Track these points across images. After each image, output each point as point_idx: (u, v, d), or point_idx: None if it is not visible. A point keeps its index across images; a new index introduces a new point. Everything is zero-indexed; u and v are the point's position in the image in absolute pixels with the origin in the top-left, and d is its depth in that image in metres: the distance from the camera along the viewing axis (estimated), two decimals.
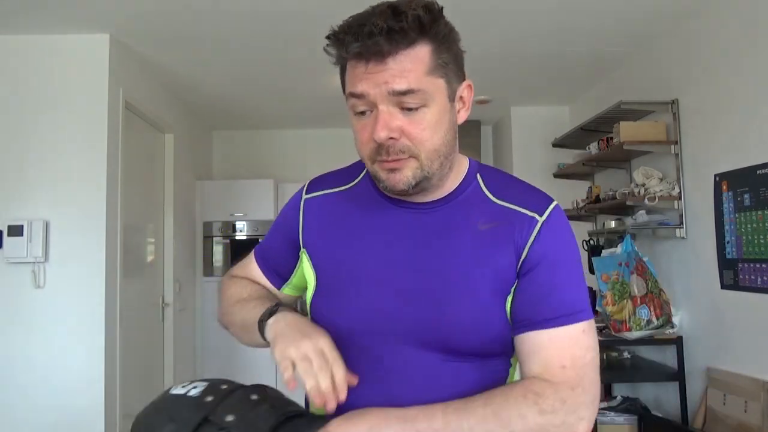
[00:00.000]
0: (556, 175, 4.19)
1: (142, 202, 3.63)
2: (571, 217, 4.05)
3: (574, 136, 3.85)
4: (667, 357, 3.10)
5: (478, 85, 4.62)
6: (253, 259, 1.05)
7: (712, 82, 2.74)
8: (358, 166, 0.98)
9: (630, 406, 3.08)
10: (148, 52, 3.28)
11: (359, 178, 0.97)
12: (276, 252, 1.02)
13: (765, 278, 2.38)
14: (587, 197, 3.81)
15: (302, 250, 0.97)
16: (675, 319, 2.94)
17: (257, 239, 4.79)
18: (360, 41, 0.77)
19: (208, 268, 4.73)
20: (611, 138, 3.25)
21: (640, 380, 3.31)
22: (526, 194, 0.91)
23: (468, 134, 4.99)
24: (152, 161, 3.85)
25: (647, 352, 3.30)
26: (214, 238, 4.82)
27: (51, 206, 2.88)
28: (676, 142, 3.00)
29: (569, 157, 4.06)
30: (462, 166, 0.94)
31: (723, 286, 2.65)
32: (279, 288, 1.02)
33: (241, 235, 4.81)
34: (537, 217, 0.87)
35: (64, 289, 2.85)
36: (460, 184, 0.91)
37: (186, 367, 4.23)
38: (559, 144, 4.09)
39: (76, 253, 2.88)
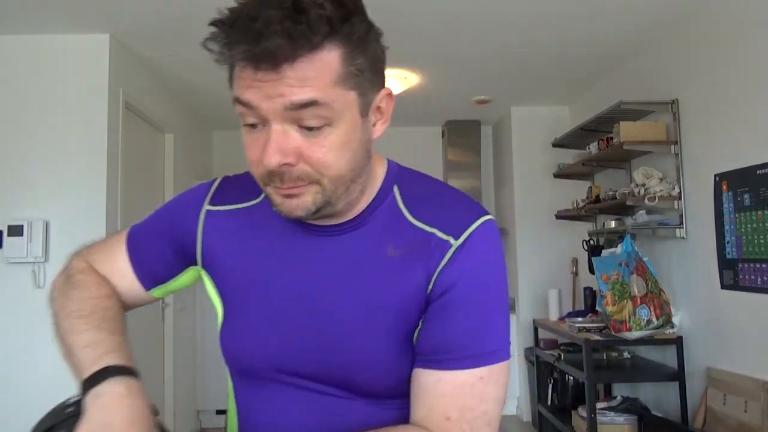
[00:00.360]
0: (556, 175, 4.19)
1: (142, 202, 3.62)
2: (571, 217, 4.06)
3: (574, 136, 3.85)
4: (667, 357, 3.10)
5: (478, 85, 4.64)
6: (123, 248, 0.87)
7: (712, 82, 2.74)
8: None
9: (630, 406, 3.08)
10: (148, 52, 3.28)
11: (263, 195, 0.79)
12: (156, 253, 0.86)
13: (765, 278, 2.38)
14: (587, 197, 3.81)
15: (202, 270, 0.85)
16: (675, 319, 2.94)
17: None
18: (248, 42, 0.61)
19: None
20: (611, 138, 3.25)
21: (640, 380, 3.31)
22: (446, 211, 0.76)
23: (468, 134, 5.00)
24: (152, 161, 3.85)
25: (647, 352, 3.30)
26: None
27: (51, 206, 2.88)
28: (676, 142, 3.00)
29: (569, 157, 4.06)
30: (378, 176, 0.79)
31: (723, 286, 2.65)
32: (148, 289, 0.88)
33: None
34: (452, 240, 0.73)
35: None
36: (373, 199, 0.77)
37: (186, 366, 4.23)
38: (559, 144, 4.09)
39: None
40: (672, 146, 3.01)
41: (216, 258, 0.82)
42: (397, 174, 0.81)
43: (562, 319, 3.83)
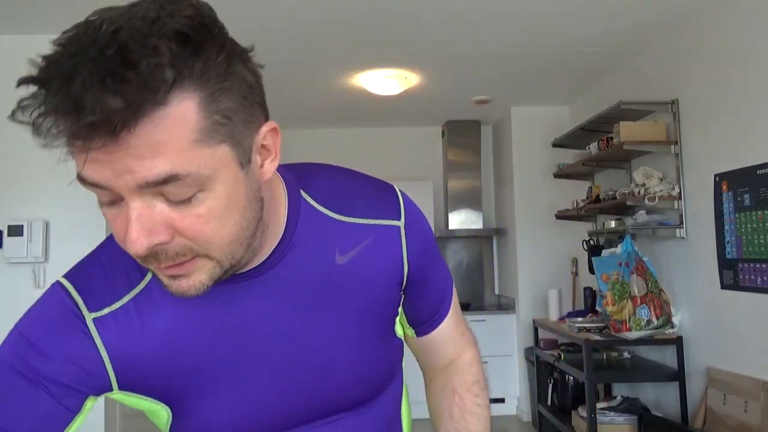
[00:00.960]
0: (556, 175, 4.19)
1: None
2: (571, 217, 4.06)
3: (574, 136, 3.85)
4: (667, 357, 3.10)
5: (479, 85, 4.63)
6: None
7: (712, 82, 2.74)
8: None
9: (630, 406, 3.08)
10: None
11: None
12: (24, 417, 0.61)
13: (765, 278, 2.38)
14: (587, 197, 3.81)
15: (120, 393, 0.65)
16: (675, 319, 2.94)
17: None
18: (65, 114, 0.47)
19: None
20: (611, 138, 3.25)
21: (640, 380, 3.31)
22: (369, 198, 0.73)
23: (468, 134, 5.00)
24: None
25: (647, 352, 3.30)
26: None
27: (51, 206, 2.88)
28: (676, 142, 3.00)
29: (569, 157, 4.06)
30: (279, 193, 0.67)
31: (723, 286, 2.65)
32: None
33: None
34: (396, 222, 0.73)
35: None
36: (287, 219, 0.67)
37: None
38: (559, 144, 4.09)
39: (76, 253, 2.83)
40: (672, 146, 3.01)
41: (138, 369, 0.64)
42: (296, 179, 0.71)
43: (562, 319, 3.83)
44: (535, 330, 3.97)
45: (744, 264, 2.51)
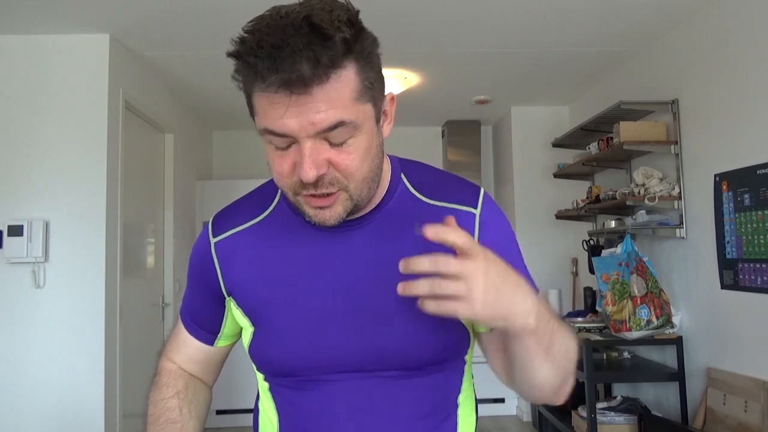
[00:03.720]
0: (556, 175, 4.19)
1: (142, 202, 3.63)
2: (571, 217, 4.06)
3: (574, 136, 3.85)
4: (667, 357, 3.10)
5: (479, 85, 4.63)
6: (181, 324, 0.98)
7: (712, 82, 2.74)
8: (269, 190, 0.90)
9: (630, 406, 3.08)
10: (148, 52, 3.28)
11: (273, 204, 0.88)
12: (199, 308, 0.94)
13: (765, 278, 2.38)
14: (587, 197, 3.81)
15: (228, 299, 0.89)
16: (675, 319, 2.94)
17: None
18: (279, 71, 0.65)
19: None
20: (611, 138, 3.25)
21: (640, 380, 3.31)
22: (455, 188, 0.87)
23: (468, 134, 5.00)
24: (152, 161, 3.85)
25: (647, 352, 3.30)
26: None
27: (51, 206, 2.88)
28: (676, 142, 3.00)
29: (569, 157, 4.06)
30: (386, 171, 0.86)
31: (723, 286, 2.65)
32: (212, 344, 0.96)
33: None
34: (473, 210, 0.84)
35: (64, 289, 2.85)
36: (387, 191, 0.84)
37: None
38: (559, 144, 4.09)
39: (76, 253, 2.88)
40: (672, 146, 3.01)
41: (237, 281, 0.86)
42: (401, 165, 0.89)
43: (562, 319, 3.82)
44: None
45: (744, 264, 2.51)
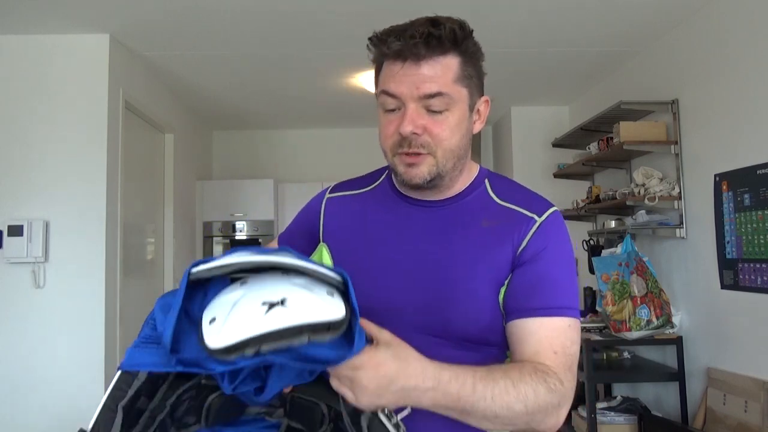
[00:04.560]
0: (556, 175, 4.19)
1: (142, 202, 3.63)
2: (570, 217, 4.05)
3: (574, 136, 3.85)
4: (667, 357, 3.10)
5: None
6: (275, 246, 1.15)
7: (712, 82, 2.74)
8: (380, 172, 1.09)
9: (630, 406, 3.08)
10: (147, 52, 3.28)
11: (379, 181, 1.08)
12: (297, 237, 1.12)
13: (765, 278, 2.38)
14: (587, 197, 3.81)
15: (322, 243, 1.05)
16: (675, 319, 2.94)
17: (257, 239, 4.79)
18: (401, 42, 0.86)
19: None
20: (611, 138, 3.25)
21: (640, 380, 3.31)
22: (529, 198, 0.98)
23: None
24: (152, 161, 3.85)
25: (647, 352, 3.30)
26: (214, 238, 4.83)
27: (51, 206, 2.88)
28: (676, 142, 3.00)
29: (569, 157, 4.06)
30: (473, 171, 1.02)
31: (723, 286, 2.65)
32: None
33: (241, 235, 4.81)
34: (536, 217, 0.94)
35: (64, 289, 2.85)
36: (468, 185, 1.00)
37: None
38: (559, 144, 4.09)
39: (76, 253, 2.88)
40: (672, 146, 3.01)
41: (334, 231, 1.05)
42: (488, 174, 1.04)
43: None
44: None
45: (744, 264, 2.50)
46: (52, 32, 2.94)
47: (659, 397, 3.21)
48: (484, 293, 0.91)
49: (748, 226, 2.48)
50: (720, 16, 2.68)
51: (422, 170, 0.91)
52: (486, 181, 1.02)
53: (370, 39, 0.91)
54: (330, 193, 1.10)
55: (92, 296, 2.87)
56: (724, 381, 2.60)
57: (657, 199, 2.96)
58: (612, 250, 3.18)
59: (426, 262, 0.94)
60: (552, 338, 0.87)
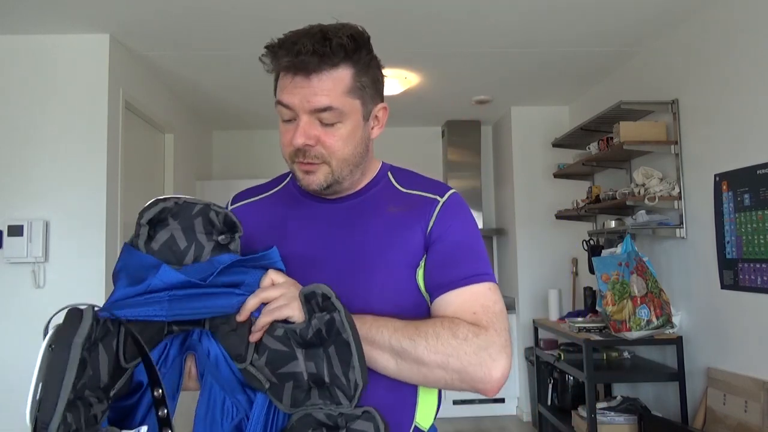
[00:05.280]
0: (556, 175, 4.19)
1: (143, 202, 3.59)
2: (570, 217, 4.06)
3: (574, 136, 3.85)
4: (667, 357, 3.10)
5: (479, 85, 4.63)
6: None
7: (712, 82, 2.74)
8: (284, 176, 1.12)
9: (630, 406, 3.08)
10: (148, 52, 3.28)
11: (284, 183, 1.10)
12: None
13: (765, 278, 2.38)
14: (587, 197, 3.81)
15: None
16: (675, 319, 2.94)
17: None
18: (290, 57, 0.87)
19: None
20: (611, 138, 3.25)
21: (640, 380, 3.31)
22: (429, 183, 1.04)
23: (468, 134, 5.00)
24: (152, 161, 3.85)
25: (647, 352, 3.30)
26: None
27: (51, 206, 2.88)
28: (676, 142, 3.00)
29: (569, 157, 4.06)
30: (374, 168, 1.06)
31: (723, 286, 2.65)
32: None
33: None
34: (438, 198, 1.00)
35: (64, 289, 2.85)
36: (371, 180, 1.04)
37: None
38: (559, 144, 4.09)
39: (76, 253, 2.88)
40: (672, 146, 3.01)
41: (246, 239, 1.03)
42: (390, 168, 1.09)
43: (562, 319, 3.83)
44: (535, 330, 3.97)
45: (744, 264, 2.51)
46: (52, 32, 2.94)
47: (659, 397, 3.21)
48: (399, 276, 0.95)
49: (748, 226, 2.48)
50: (720, 16, 2.68)
51: (318, 177, 0.94)
52: (389, 173, 1.07)
53: (265, 48, 0.91)
54: (231, 204, 1.11)
55: (92, 296, 2.87)
56: (724, 381, 2.60)
57: (657, 199, 2.96)
58: (612, 250, 3.18)
59: (339, 252, 0.97)
60: (471, 301, 0.91)
